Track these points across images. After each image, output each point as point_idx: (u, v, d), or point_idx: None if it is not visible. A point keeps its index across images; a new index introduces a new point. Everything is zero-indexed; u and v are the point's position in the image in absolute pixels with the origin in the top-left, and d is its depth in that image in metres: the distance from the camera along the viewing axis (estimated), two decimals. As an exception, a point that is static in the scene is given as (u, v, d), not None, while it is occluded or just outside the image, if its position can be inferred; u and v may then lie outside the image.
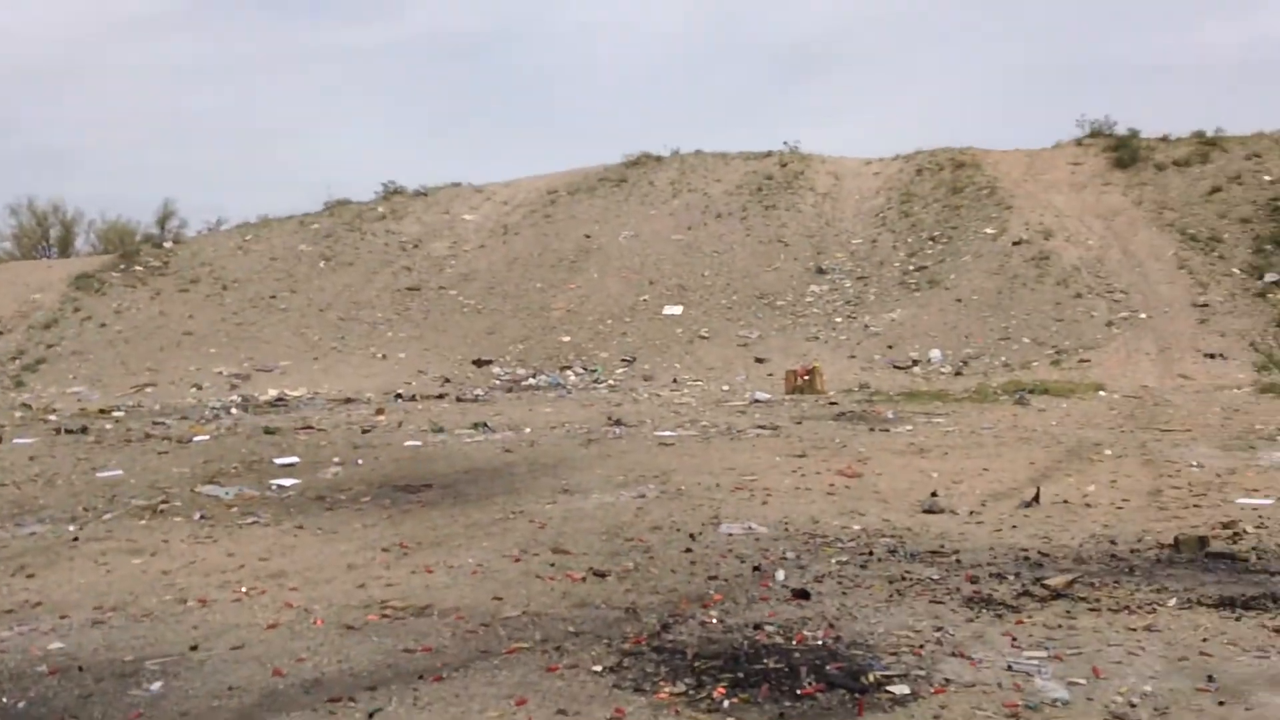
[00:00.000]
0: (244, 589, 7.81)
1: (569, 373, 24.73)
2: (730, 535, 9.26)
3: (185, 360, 26.36)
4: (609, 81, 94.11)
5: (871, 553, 8.56)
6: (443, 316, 28.32)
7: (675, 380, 23.70)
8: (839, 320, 25.68)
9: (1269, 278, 24.66)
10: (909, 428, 16.28)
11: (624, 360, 25.12)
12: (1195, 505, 10.28)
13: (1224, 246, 26.41)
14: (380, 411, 19.60)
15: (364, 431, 16.88)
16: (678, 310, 27.04)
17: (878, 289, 26.99)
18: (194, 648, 6.44)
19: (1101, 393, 20.01)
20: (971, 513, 10.11)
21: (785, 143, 36.23)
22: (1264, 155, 30.07)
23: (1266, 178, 28.75)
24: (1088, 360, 22.20)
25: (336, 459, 14.09)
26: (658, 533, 9.39)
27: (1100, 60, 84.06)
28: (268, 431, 16.96)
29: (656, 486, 11.66)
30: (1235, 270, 25.35)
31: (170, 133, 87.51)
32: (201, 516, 10.61)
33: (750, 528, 9.49)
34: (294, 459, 14.08)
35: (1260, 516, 9.61)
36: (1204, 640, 6.23)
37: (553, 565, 8.31)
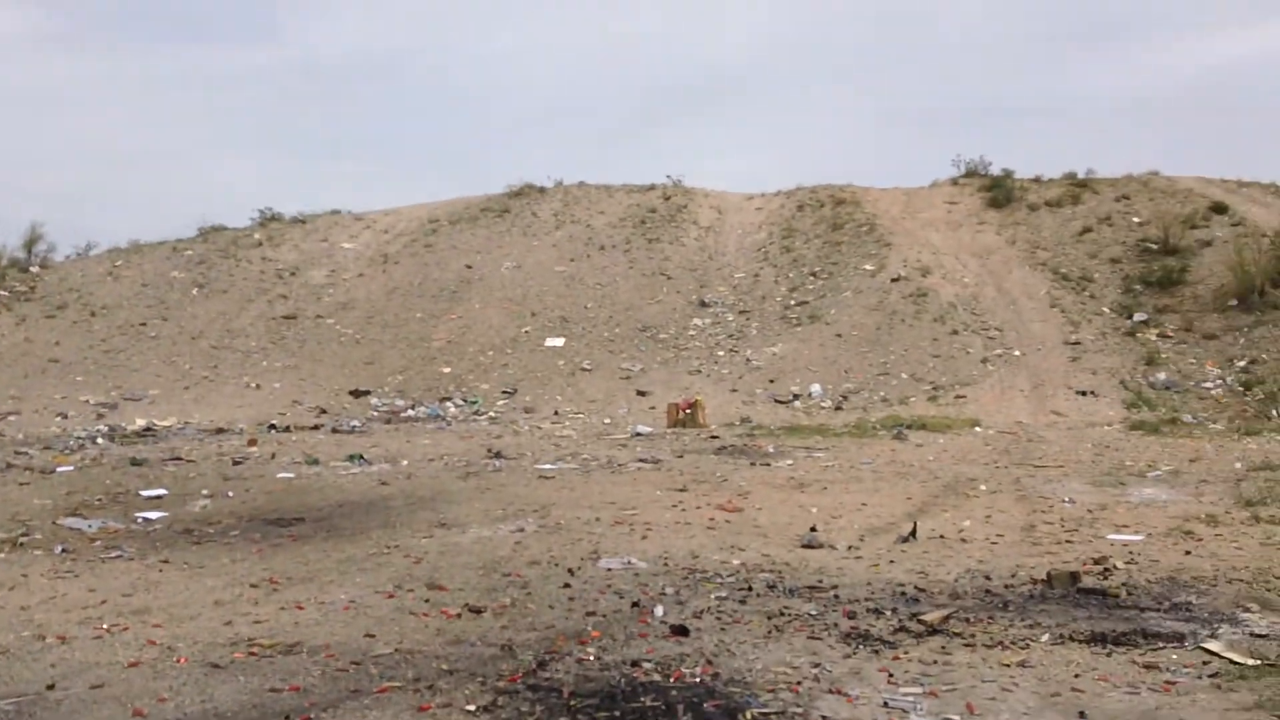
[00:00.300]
0: (105, 626, 7.46)
1: (449, 404, 24.37)
2: (609, 570, 9.12)
3: (50, 388, 25.34)
4: (493, 112, 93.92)
5: (751, 588, 8.50)
6: (319, 346, 27.73)
7: (556, 412, 23.51)
8: (721, 354, 25.80)
9: (1138, 317, 25.48)
10: (789, 462, 16.35)
11: (505, 392, 24.85)
12: (1068, 541, 10.46)
13: (1095, 286, 27.25)
14: (253, 442, 19.05)
15: (235, 463, 16.37)
16: (560, 342, 26.89)
17: (760, 323, 27.20)
18: (51, 686, 6.14)
19: (977, 428, 20.39)
20: (850, 547, 10.13)
21: (669, 176, 36.56)
22: (1132, 197, 31.21)
23: (1135, 219, 29.81)
24: (964, 396, 22.63)
25: (206, 491, 13.62)
26: (536, 568, 9.21)
27: (974, 102, 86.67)
28: (135, 462, 16.35)
29: (535, 520, 11.48)
30: (1105, 309, 26.15)
31: (39, 155, 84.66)
32: (63, 550, 10.15)
33: (630, 563, 9.37)
34: (161, 491, 13.59)
35: (1130, 552, 9.81)
36: (1076, 676, 6.29)
37: (427, 601, 8.08)
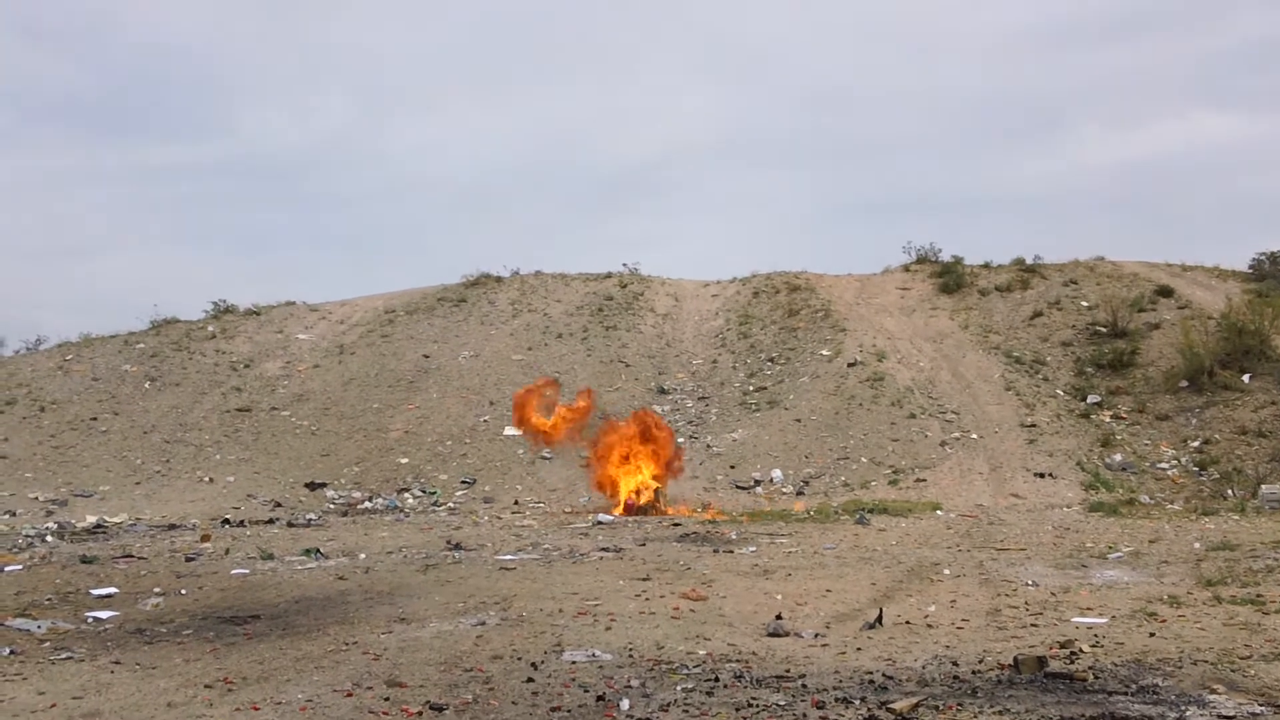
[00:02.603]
0: (51, 732, 7.21)
1: (407, 495, 24.12)
2: (574, 663, 8.96)
3: (-3, 485, 24.85)
4: (443, 202, 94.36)
5: (718, 679, 8.38)
6: (274, 438, 27.41)
7: (516, 502, 23.32)
8: (681, 440, 25.76)
9: (1091, 399, 25.78)
10: (753, 549, 16.25)
11: (464, 482, 24.64)
12: (1033, 624, 10.43)
13: (1047, 369, 27.56)
14: (206, 538, 18.70)
15: (188, 559, 16.04)
16: (519, 431, 26.75)
17: (719, 409, 27.23)
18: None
19: (938, 512, 20.42)
20: (816, 635, 10.03)
21: (625, 264, 36.87)
22: (1080, 282, 31.77)
23: (1084, 303, 30.29)
24: (924, 480, 22.68)
25: (158, 589, 13.31)
26: (498, 662, 9.04)
27: (920, 192, 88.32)
28: (85, 560, 15.98)
29: (497, 613, 11.30)
30: (1059, 392, 26.43)
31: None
32: (11, 652, 9.83)
33: (594, 655, 9.22)
34: (112, 589, 13.27)
35: (1096, 635, 9.78)
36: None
37: (387, 699, 7.89)
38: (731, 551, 16.01)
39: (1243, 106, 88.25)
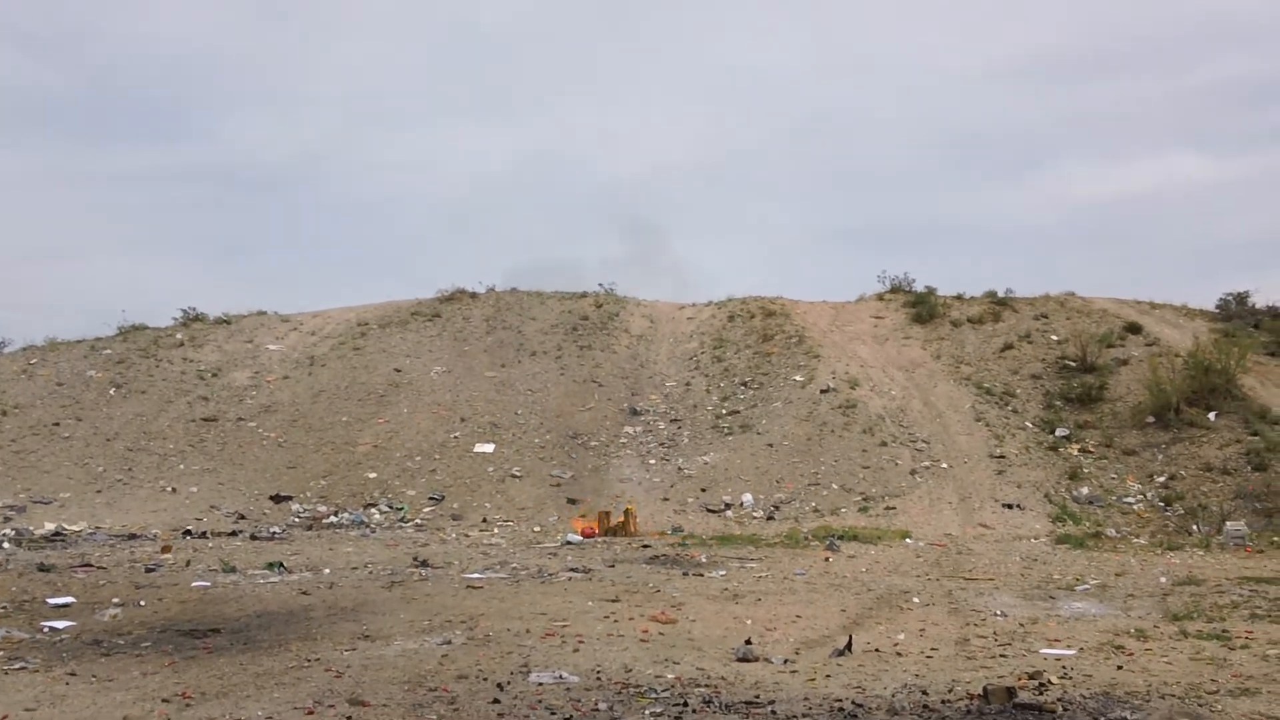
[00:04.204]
0: (2, 745, 7.05)
1: (374, 511, 23.92)
2: (540, 685, 8.86)
3: (-46, 489, 24.49)
4: (425, 217, 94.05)
5: (687, 704, 8.30)
6: (240, 449, 27.13)
7: (485, 520, 23.16)
8: (653, 462, 25.69)
9: (1060, 432, 25.89)
10: (723, 572, 16.19)
11: (432, 499, 24.46)
12: (1001, 655, 10.40)
13: (1017, 401, 27.67)
14: (167, 549, 18.49)
15: (148, 570, 15.86)
16: (489, 448, 26.60)
17: (691, 432, 27.17)
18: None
19: (908, 540, 20.42)
20: (786, 661, 9.97)
21: (601, 284, 36.77)
22: (1050, 316, 31.96)
23: (1054, 337, 30.46)
24: (894, 508, 22.69)
25: (116, 600, 13.14)
26: (463, 682, 8.93)
27: (901, 220, 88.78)
28: (42, 568, 15.78)
29: (463, 632, 11.18)
30: (1028, 424, 26.53)
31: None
32: (-39, 661, 9.66)
33: (561, 677, 9.12)
34: (70, 599, 13.11)
35: (1064, 667, 9.77)
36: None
37: (349, 718, 7.76)
38: (701, 575, 15.95)
39: (1215, 148, 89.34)
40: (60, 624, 11.58)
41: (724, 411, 27.97)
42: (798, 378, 28.93)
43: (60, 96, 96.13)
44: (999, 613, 12.88)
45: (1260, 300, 32.58)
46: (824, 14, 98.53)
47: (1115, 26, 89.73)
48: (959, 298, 34.65)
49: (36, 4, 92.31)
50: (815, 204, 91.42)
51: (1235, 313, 32.34)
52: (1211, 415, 25.34)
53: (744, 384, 29.28)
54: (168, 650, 10.34)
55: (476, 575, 15.66)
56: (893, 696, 8.65)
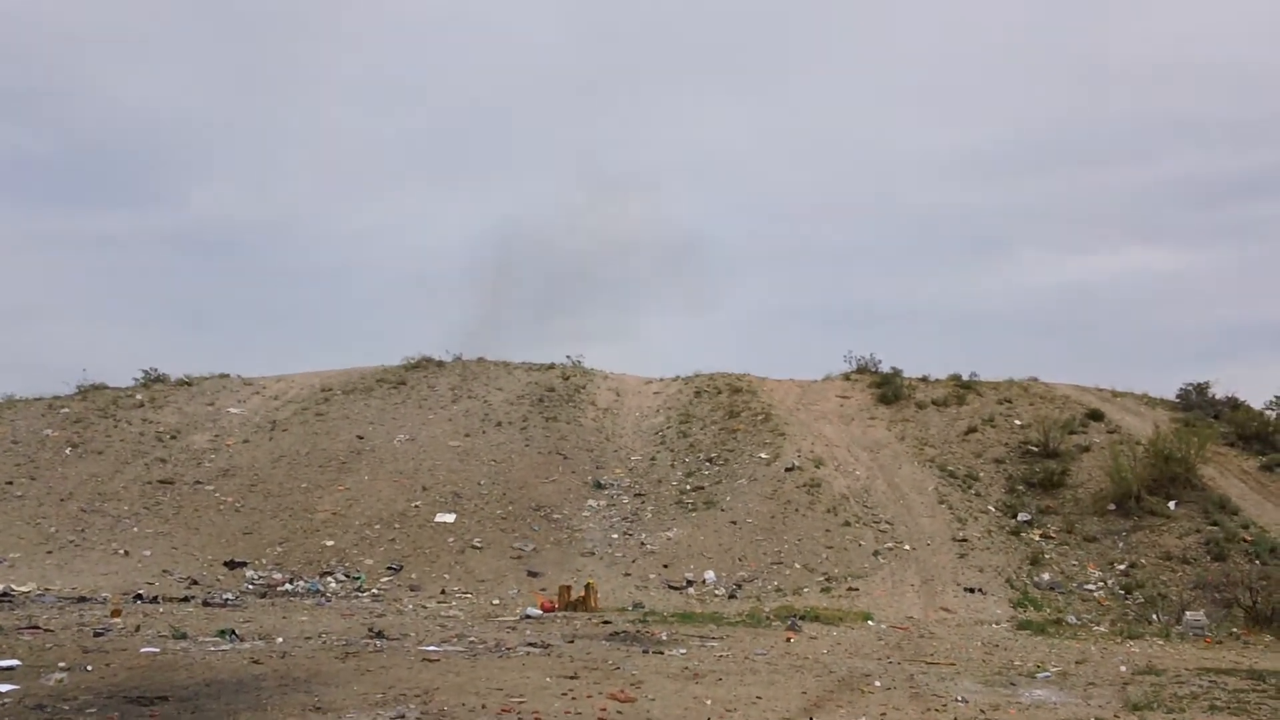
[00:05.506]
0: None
1: (330, 579, 23.60)
2: (498, 762, 8.72)
3: (-98, 546, 24.02)
4: (391, 285, 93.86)
5: (646, 785, 8.18)
6: (196, 513, 26.77)
7: (444, 591, 22.91)
8: (615, 536, 25.55)
9: (1021, 517, 25.99)
10: (683, 650, 16.05)
11: (390, 568, 24.17)
12: (963, 741, 10.33)
13: (980, 484, 27.79)
14: (116, 613, 18.16)
15: (96, 634, 15.57)
16: (450, 518, 26.38)
17: (655, 507, 27.08)
18: None
19: (870, 622, 20.34)
20: (747, 743, 9.86)
21: (568, 356, 36.90)
22: (1014, 401, 32.25)
23: (1017, 422, 30.71)
24: (856, 589, 22.63)
25: (63, 664, 12.88)
26: (420, 757, 8.77)
27: (868, 300, 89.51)
28: (-12, 629, 15.44)
29: (417, 707, 11.01)
30: (991, 508, 26.62)
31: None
32: (-102, 725, 9.41)
33: (520, 754, 8.98)
34: (14, 662, 12.85)
35: (1026, 754, 9.71)
36: None
37: (303, 792, 7.60)
38: (662, 653, 15.80)
39: (1170, 241, 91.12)
40: (4, 687, 11.33)
41: (688, 487, 27.92)
42: (763, 455, 28.95)
43: (27, 156, 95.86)
44: (960, 698, 12.81)
45: (1220, 391, 33.01)
46: (785, 96, 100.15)
47: (1075, 118, 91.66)
48: (924, 379, 34.97)
49: (5, 63, 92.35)
50: (783, 282, 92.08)
51: (1195, 403, 32.73)
52: (1172, 504, 25.55)
53: (709, 460, 29.27)
54: (114, 718, 10.12)
55: (433, 648, 15.46)
56: (854, 782, 8.57)
